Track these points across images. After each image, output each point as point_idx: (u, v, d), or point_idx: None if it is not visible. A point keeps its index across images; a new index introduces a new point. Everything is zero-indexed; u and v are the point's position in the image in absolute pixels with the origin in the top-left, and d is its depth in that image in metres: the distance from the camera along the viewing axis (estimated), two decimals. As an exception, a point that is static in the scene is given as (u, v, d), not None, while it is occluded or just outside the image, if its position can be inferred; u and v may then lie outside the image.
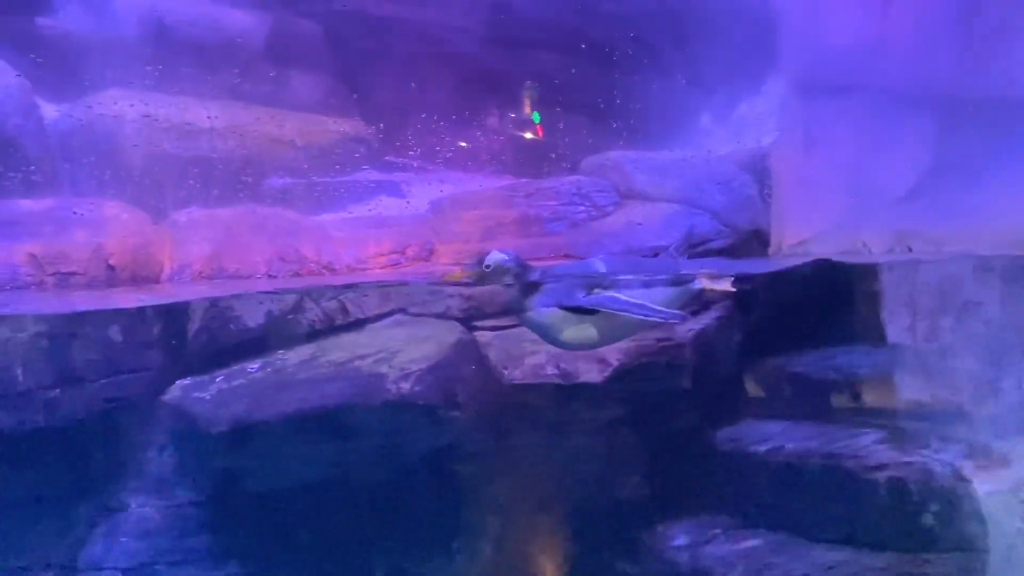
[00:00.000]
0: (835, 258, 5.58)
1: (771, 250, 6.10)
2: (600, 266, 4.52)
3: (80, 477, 5.23)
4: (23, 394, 5.04)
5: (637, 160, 6.38)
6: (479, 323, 5.62)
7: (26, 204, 5.52)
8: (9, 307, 5.17)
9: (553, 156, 6.74)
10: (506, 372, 5.38)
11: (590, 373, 5.30)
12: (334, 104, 6.89)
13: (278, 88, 6.74)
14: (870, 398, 5.58)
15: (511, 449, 5.46)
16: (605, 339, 4.52)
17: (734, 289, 4.82)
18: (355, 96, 6.97)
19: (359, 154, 6.77)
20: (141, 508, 5.22)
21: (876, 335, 5.50)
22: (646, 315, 4.29)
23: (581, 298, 4.28)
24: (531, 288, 4.31)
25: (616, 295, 4.31)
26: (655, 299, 4.47)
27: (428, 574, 5.48)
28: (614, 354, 5.31)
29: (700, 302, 5.58)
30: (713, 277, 4.83)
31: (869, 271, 5.55)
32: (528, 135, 7.31)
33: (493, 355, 5.44)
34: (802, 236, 6.04)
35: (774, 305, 5.97)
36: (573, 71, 6.68)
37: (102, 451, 5.25)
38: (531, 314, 4.31)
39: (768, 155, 6.34)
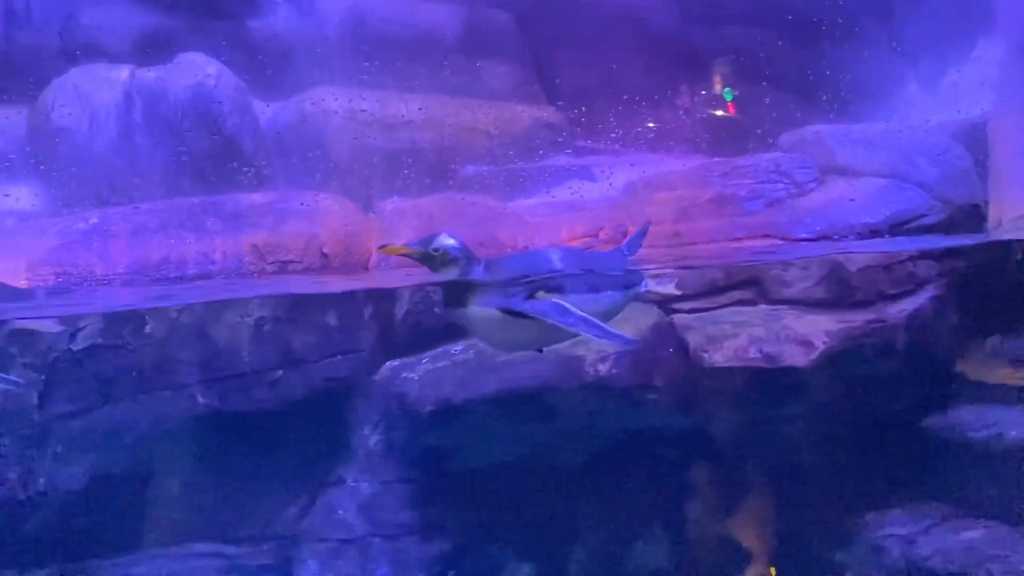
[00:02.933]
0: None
1: (989, 225, 5.67)
2: (556, 263, 4.05)
3: (301, 453, 5.54)
4: (250, 374, 5.38)
5: (840, 133, 6.07)
6: (678, 305, 5.53)
7: (247, 198, 5.86)
8: (237, 292, 5.52)
9: (748, 133, 6.52)
10: (706, 355, 5.25)
11: (795, 356, 5.10)
12: (526, 92, 6.94)
13: (473, 78, 6.85)
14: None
15: (711, 433, 5.35)
16: (544, 342, 4.13)
17: (678, 292, 4.40)
18: (547, 83, 6.99)
19: (551, 140, 6.79)
20: (356, 483, 5.47)
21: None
22: (595, 335, 3.81)
23: (526, 304, 3.85)
24: (472, 283, 3.87)
25: (565, 305, 3.86)
26: (602, 303, 4.05)
27: (628, 556, 5.46)
28: (821, 336, 5.09)
29: (914, 281, 5.25)
30: (659, 279, 4.44)
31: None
32: (721, 113, 7.12)
33: (692, 338, 5.33)
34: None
35: (993, 284, 5.56)
36: (770, 45, 6.43)
37: (320, 428, 5.52)
38: (467, 310, 3.90)
39: (985, 124, 5.89)
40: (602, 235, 5.98)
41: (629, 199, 6.16)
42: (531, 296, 3.92)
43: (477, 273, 3.90)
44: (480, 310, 3.91)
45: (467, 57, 6.90)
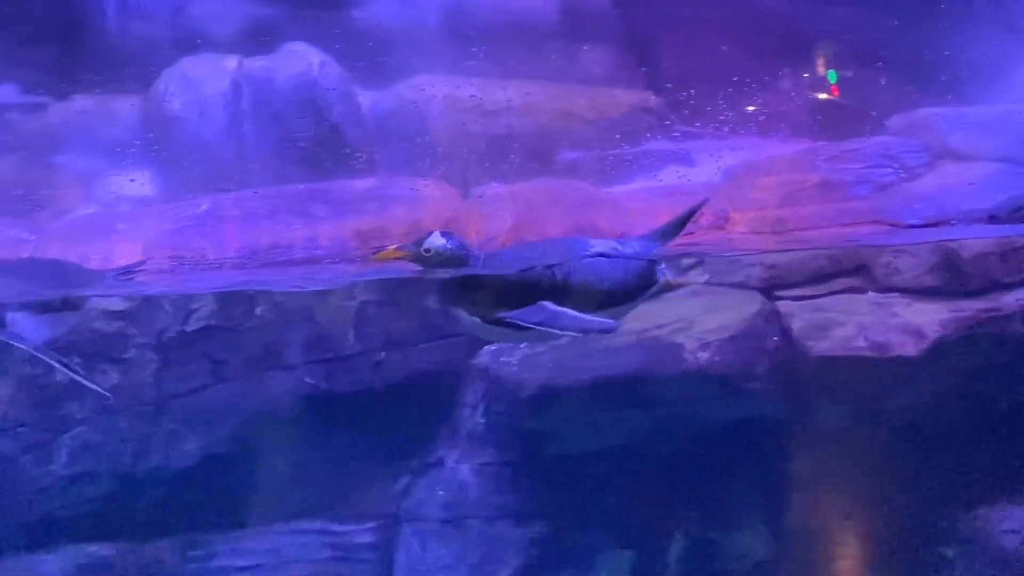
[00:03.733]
0: None
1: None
2: (560, 254, 3.83)
3: (402, 434, 5.63)
4: (354, 356, 5.49)
5: (952, 116, 5.83)
6: (782, 293, 5.42)
7: (351, 185, 5.96)
8: (340, 278, 5.64)
9: (855, 116, 6.33)
10: (811, 344, 5.14)
11: (905, 346, 4.95)
12: (625, 75, 6.87)
13: (571, 63, 6.81)
14: None
15: (816, 424, 5.24)
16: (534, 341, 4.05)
17: (702, 280, 4.11)
18: (646, 66, 6.91)
19: (651, 124, 6.71)
20: (456, 465, 5.54)
21: None
22: (581, 329, 3.67)
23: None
24: (462, 283, 3.74)
25: (547, 305, 3.65)
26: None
27: (728, 546, 5.40)
28: (932, 326, 4.93)
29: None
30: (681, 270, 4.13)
31: None
32: (827, 95, 6.93)
33: (797, 326, 5.22)
34: None
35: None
36: (879, 24, 6.22)
37: (421, 411, 5.61)
38: (457, 311, 3.81)
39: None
40: (702, 220, 5.88)
41: (730, 184, 6.04)
42: (524, 292, 3.75)
43: (475, 269, 3.78)
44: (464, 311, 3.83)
45: (565, 41, 6.87)
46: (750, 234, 5.74)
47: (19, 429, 5.14)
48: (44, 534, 5.22)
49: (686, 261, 5.48)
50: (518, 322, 3.70)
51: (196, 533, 5.35)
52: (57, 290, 4.55)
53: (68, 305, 4.38)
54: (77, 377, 4.07)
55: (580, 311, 3.80)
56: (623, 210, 5.89)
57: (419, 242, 3.82)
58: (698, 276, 4.28)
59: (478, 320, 3.81)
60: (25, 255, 5.33)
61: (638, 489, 5.40)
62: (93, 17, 6.39)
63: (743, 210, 5.89)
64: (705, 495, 5.40)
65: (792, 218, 5.70)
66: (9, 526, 5.18)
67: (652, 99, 6.74)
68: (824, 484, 5.36)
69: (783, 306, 5.35)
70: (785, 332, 5.25)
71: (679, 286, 4.19)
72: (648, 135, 6.66)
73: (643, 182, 6.22)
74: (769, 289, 5.45)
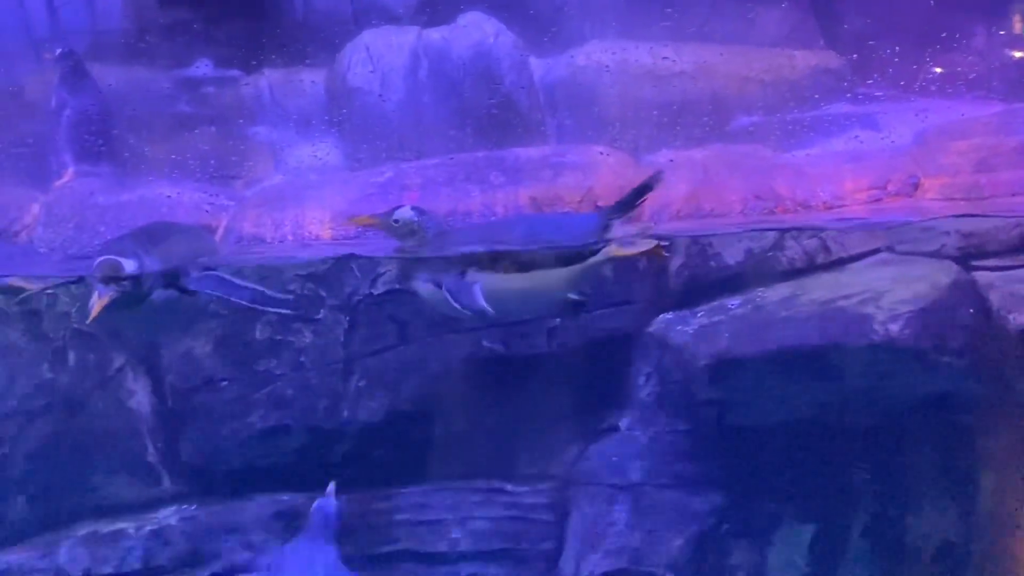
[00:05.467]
0: None
1: None
2: (507, 234, 4.04)
3: (576, 399, 5.67)
4: (530, 322, 5.55)
5: None
6: (979, 263, 5.12)
7: (525, 152, 5.99)
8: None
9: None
10: (1011, 317, 4.83)
11: (1122, 320, 4.59)
12: (802, 36, 6.60)
13: (745, 25, 6.59)
14: None
15: (1013, 402, 4.94)
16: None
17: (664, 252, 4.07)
18: (824, 26, 6.62)
19: (830, 86, 6.43)
20: (629, 431, 5.54)
21: None
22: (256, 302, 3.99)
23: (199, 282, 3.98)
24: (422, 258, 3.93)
25: (222, 276, 3.97)
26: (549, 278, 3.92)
27: (913, 524, 5.19)
28: None
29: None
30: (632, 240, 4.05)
31: None
32: (1019, 54, 6.46)
33: (995, 298, 4.91)
34: None
35: None
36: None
37: (595, 377, 5.62)
38: (411, 284, 4.03)
39: None
40: (890, 187, 5.62)
41: (920, 148, 5.73)
42: (464, 272, 3.96)
43: (442, 242, 3.98)
44: (421, 285, 4.06)
45: (739, 2, 6.66)
46: (942, 200, 5.44)
47: (222, 383, 5.46)
48: (244, 483, 5.55)
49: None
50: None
51: (380, 486, 5.57)
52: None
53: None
54: (270, 305, 4.35)
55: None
56: (805, 176, 5.69)
57: (389, 212, 4.04)
58: (644, 245, 4.28)
59: (432, 287, 4.07)
60: (223, 223, 5.65)
61: (820, 463, 5.25)
62: (280, -7, 6.65)
63: (934, 176, 5.59)
64: (891, 471, 5.19)
65: (988, 184, 5.38)
66: (215, 475, 5.54)
67: (834, 60, 6.46)
68: (1019, 465, 5.05)
69: (980, 277, 5.04)
70: (982, 304, 4.95)
71: (625, 256, 4.29)
72: (828, 98, 6.39)
73: (825, 147, 5.99)
74: (965, 259, 5.15)
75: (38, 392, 5.57)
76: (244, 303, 4.35)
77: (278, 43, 6.43)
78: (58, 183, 5.91)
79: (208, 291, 4.27)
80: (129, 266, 3.88)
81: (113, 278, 3.81)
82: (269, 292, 4.45)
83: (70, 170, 5.93)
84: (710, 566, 5.44)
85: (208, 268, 4.38)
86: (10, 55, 6.37)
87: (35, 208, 5.68)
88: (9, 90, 6.20)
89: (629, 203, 4.39)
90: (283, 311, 4.86)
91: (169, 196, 5.53)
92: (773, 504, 5.31)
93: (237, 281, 4.29)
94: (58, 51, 6.06)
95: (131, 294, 3.91)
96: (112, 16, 6.65)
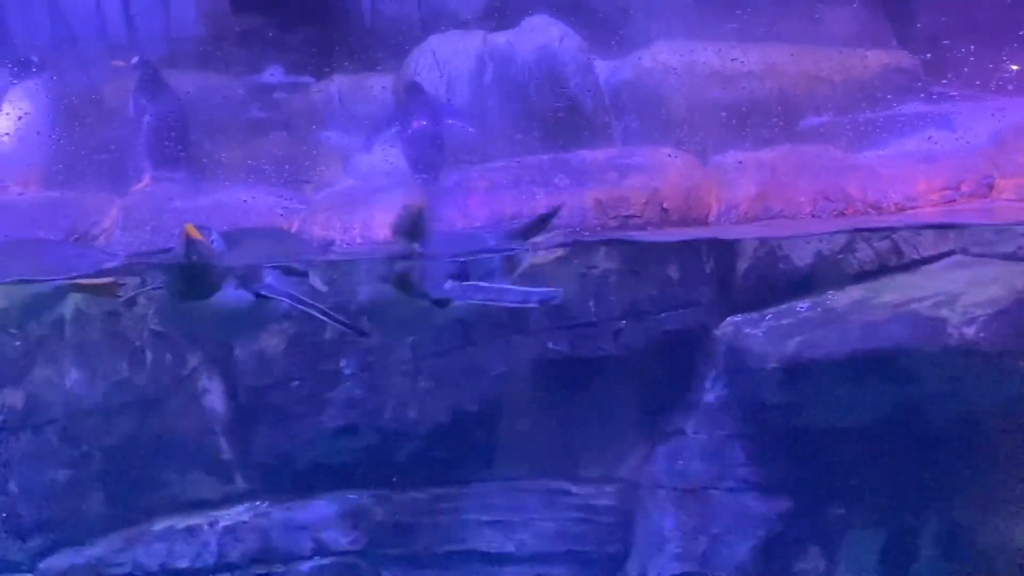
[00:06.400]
0: None
1: None
2: None
3: (642, 402, 5.66)
4: (595, 324, 5.55)
5: None
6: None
7: (590, 154, 6.00)
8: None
9: None
10: (1094, 321, 4.71)
11: None
12: (872, 35, 6.48)
13: (814, 24, 6.51)
14: None
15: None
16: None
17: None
18: (896, 24, 6.50)
19: (903, 86, 6.30)
20: (696, 435, 5.51)
21: None
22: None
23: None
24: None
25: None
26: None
27: (987, 533, 5.07)
28: None
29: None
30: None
31: None
32: (1101, 50, 6.25)
33: (1077, 302, 4.80)
34: None
35: None
36: None
37: (661, 379, 5.60)
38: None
39: None
40: (964, 188, 5.50)
41: (996, 149, 5.60)
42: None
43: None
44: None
45: (807, 2, 6.57)
46: (1018, 201, 5.30)
47: (292, 383, 5.57)
48: (313, 480, 5.66)
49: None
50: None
51: (446, 486, 5.62)
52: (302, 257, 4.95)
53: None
54: (335, 323, 4.45)
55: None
56: (876, 177, 5.60)
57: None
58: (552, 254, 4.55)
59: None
60: (295, 226, 5.76)
61: (892, 468, 5.16)
62: (349, 0, 6.75)
63: (1011, 176, 5.46)
64: (964, 478, 5.08)
65: (1069, 185, 5.23)
66: (286, 472, 5.66)
67: (906, 59, 6.33)
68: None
69: (1062, 281, 4.91)
70: (1063, 308, 4.82)
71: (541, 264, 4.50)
72: (901, 98, 6.27)
73: (897, 147, 5.88)
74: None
75: (116, 391, 5.74)
76: (312, 312, 4.43)
77: (347, 49, 6.53)
78: (136, 187, 6.08)
79: (277, 297, 4.38)
80: (211, 235, 4.02)
81: (192, 244, 3.91)
82: (332, 313, 4.54)
83: (148, 175, 6.09)
84: (777, 572, 5.38)
85: (287, 269, 4.49)
86: (89, 63, 6.58)
87: (113, 212, 5.85)
88: (88, 97, 6.40)
89: (532, 230, 4.79)
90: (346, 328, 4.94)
91: (244, 200, 5.65)
92: (842, 510, 5.24)
93: (304, 299, 4.40)
94: (135, 59, 6.22)
95: (205, 271, 4.02)
96: (187, 24, 6.82)
